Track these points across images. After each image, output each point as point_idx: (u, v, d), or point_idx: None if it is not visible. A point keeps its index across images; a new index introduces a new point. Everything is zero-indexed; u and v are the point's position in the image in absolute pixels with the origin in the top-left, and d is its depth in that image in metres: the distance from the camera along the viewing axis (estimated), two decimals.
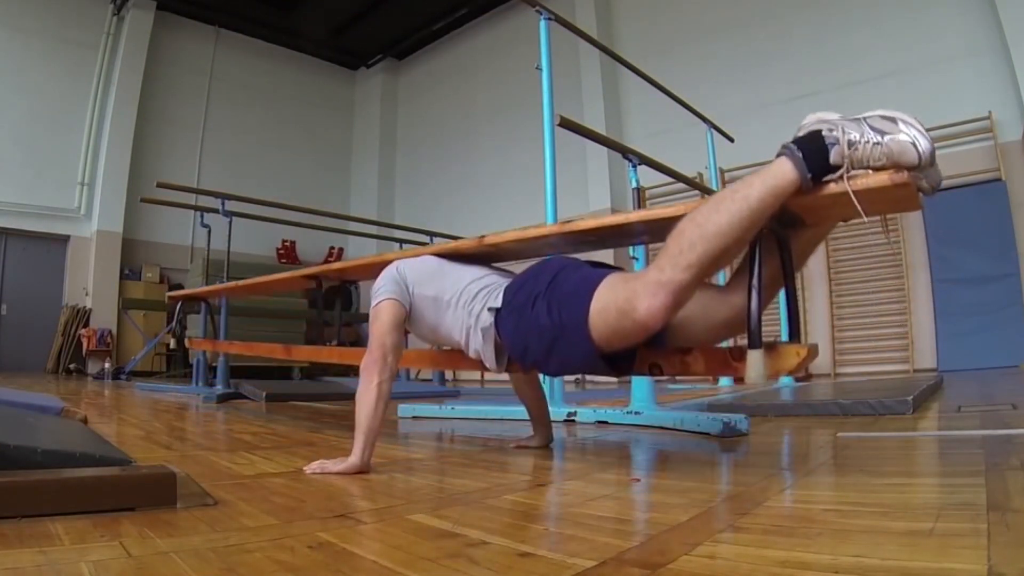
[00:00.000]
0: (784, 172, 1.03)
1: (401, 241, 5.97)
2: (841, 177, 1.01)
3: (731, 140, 4.71)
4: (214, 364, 4.36)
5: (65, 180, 8.36)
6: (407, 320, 1.55)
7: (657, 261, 1.09)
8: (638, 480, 1.40)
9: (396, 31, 10.29)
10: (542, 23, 2.75)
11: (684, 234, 1.06)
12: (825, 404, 2.55)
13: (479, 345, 1.42)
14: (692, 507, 1.02)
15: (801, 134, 1.08)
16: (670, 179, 3.47)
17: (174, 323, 3.46)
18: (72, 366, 7.85)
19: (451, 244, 1.65)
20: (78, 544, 0.79)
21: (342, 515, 1.00)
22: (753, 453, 1.74)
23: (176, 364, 8.15)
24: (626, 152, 2.49)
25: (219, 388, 3.99)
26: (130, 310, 8.11)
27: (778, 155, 1.07)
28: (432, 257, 1.61)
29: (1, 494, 0.89)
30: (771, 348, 1.09)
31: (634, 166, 2.48)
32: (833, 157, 1.01)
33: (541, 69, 2.68)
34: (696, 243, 1.04)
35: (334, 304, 2.40)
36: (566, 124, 2.30)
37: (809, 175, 1.02)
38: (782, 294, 1.21)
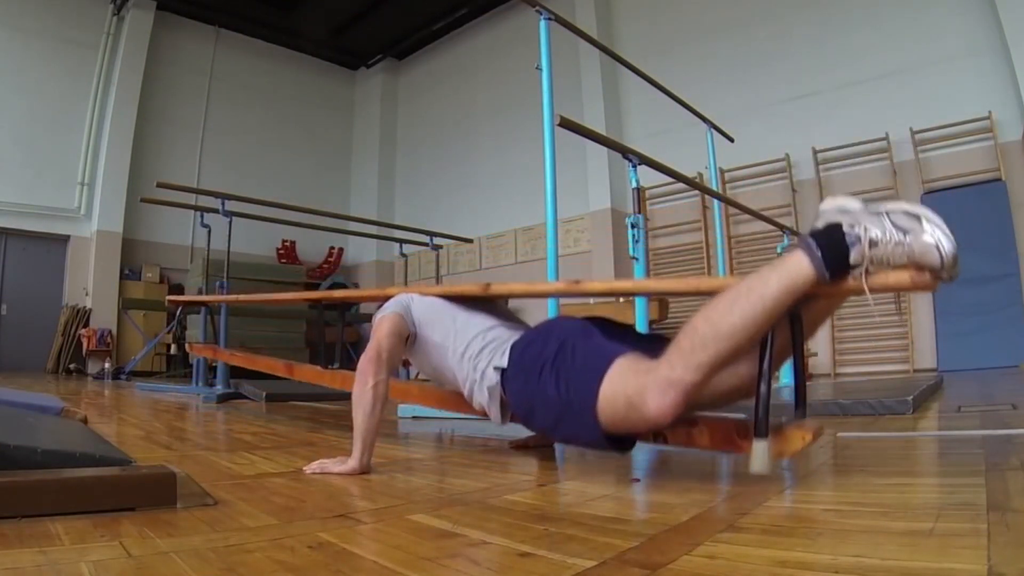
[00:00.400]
0: (801, 269, 1.00)
1: (401, 241, 5.96)
2: (860, 275, 0.99)
3: (731, 140, 4.71)
4: (214, 364, 4.36)
5: (65, 180, 8.35)
6: (410, 351, 1.55)
7: (669, 356, 1.05)
8: (638, 480, 1.40)
9: (396, 31, 10.29)
10: (542, 23, 2.75)
11: (697, 332, 1.04)
12: (825, 404, 2.55)
13: (484, 400, 1.40)
14: (692, 507, 1.02)
15: (819, 225, 1.04)
16: (670, 179, 3.47)
17: (174, 324, 3.46)
18: (72, 366, 7.85)
19: (456, 288, 1.63)
20: (78, 544, 0.79)
21: (342, 515, 1.00)
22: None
23: (176, 364, 8.15)
24: (626, 152, 2.50)
25: (219, 388, 3.99)
26: (130, 310, 8.11)
27: (795, 246, 1.04)
28: (438, 299, 1.59)
29: (1, 494, 0.89)
30: (777, 431, 1.07)
31: (634, 166, 2.48)
32: (854, 257, 0.99)
33: (541, 69, 2.68)
34: (709, 343, 1.02)
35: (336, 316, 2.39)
36: (566, 124, 2.30)
37: (827, 274, 0.99)
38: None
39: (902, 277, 0.97)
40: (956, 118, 5.63)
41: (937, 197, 5.74)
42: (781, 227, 4.54)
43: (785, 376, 3.98)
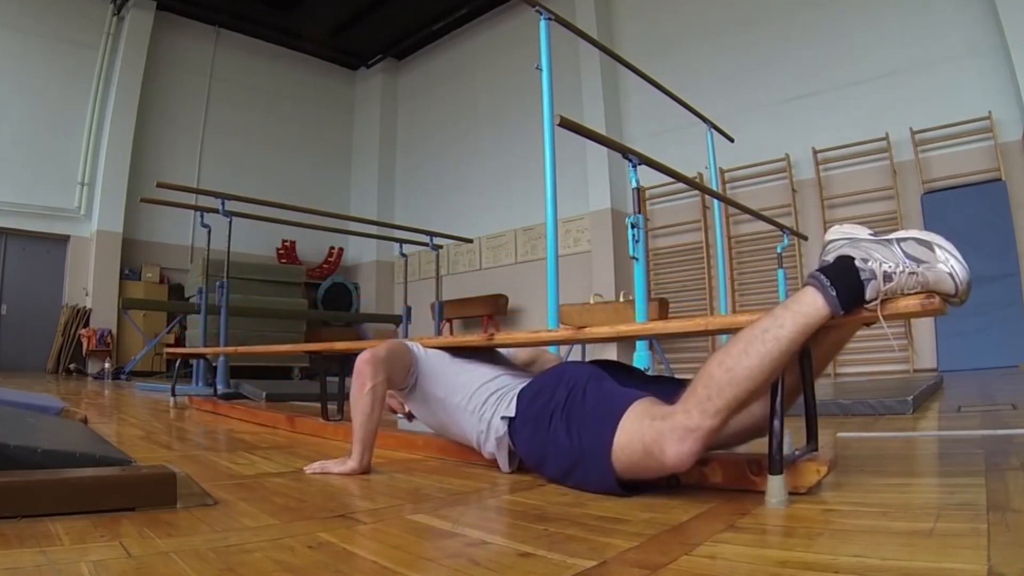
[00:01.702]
0: (816, 308, 0.99)
1: (401, 241, 5.96)
2: (875, 308, 0.98)
3: (731, 140, 4.71)
4: (214, 364, 4.36)
5: (65, 180, 8.35)
6: (408, 395, 1.54)
7: (685, 403, 1.04)
8: None
9: (396, 31, 10.28)
10: (542, 23, 2.75)
11: (713, 378, 1.02)
12: (825, 404, 2.55)
13: (493, 450, 1.39)
14: (692, 507, 1.02)
15: (829, 259, 1.03)
16: (670, 179, 3.47)
17: (173, 380, 3.53)
18: (72, 366, 7.85)
19: (459, 339, 1.64)
20: (78, 544, 0.79)
21: (342, 515, 1.00)
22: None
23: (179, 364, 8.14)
24: (626, 152, 2.50)
25: (219, 388, 3.99)
26: (130, 310, 8.11)
27: (807, 284, 1.02)
28: (439, 351, 1.58)
29: (1, 494, 0.89)
30: (790, 466, 1.07)
31: (634, 166, 2.48)
32: (869, 294, 0.98)
33: (541, 69, 2.68)
34: (725, 388, 1.01)
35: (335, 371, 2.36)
36: (566, 124, 2.30)
37: (842, 312, 0.98)
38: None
39: (913, 304, 0.96)
40: (956, 118, 5.63)
41: (937, 197, 5.75)
42: (781, 227, 4.54)
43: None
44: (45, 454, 1.02)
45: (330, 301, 10.03)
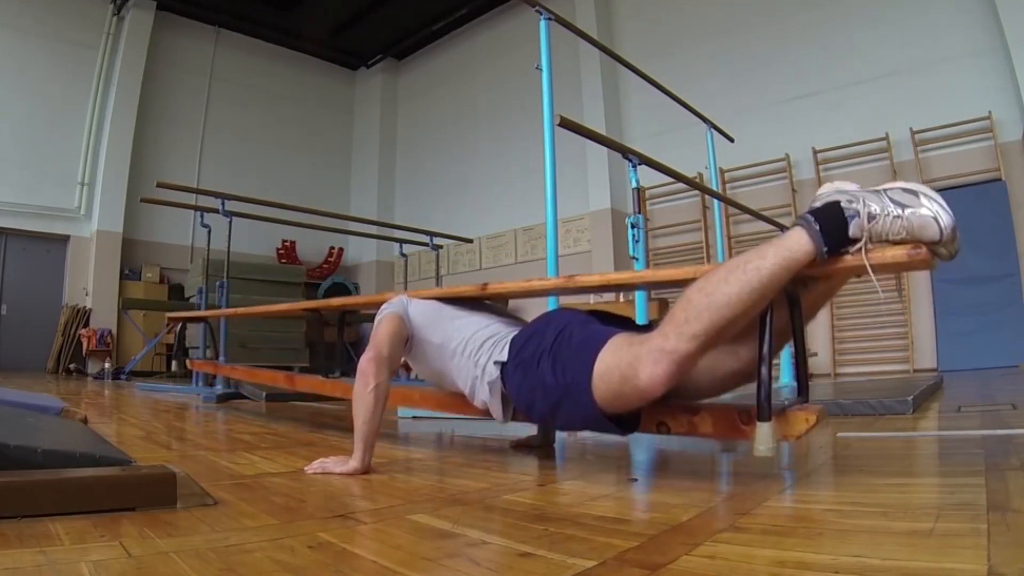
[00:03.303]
0: (800, 244, 1.00)
1: (401, 241, 5.96)
2: (859, 250, 0.98)
3: (731, 140, 4.71)
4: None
5: (65, 180, 8.35)
6: (409, 354, 1.55)
7: (662, 327, 1.05)
8: (636, 480, 1.40)
9: (396, 31, 10.29)
10: (542, 23, 2.75)
11: (691, 302, 1.03)
12: (825, 404, 2.54)
13: (486, 397, 1.40)
14: (692, 507, 1.02)
15: (818, 204, 1.04)
16: (670, 179, 3.47)
17: (175, 347, 3.54)
18: (72, 366, 7.85)
19: (454, 289, 1.64)
20: (78, 544, 0.79)
21: (342, 515, 1.00)
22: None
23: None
24: (626, 152, 2.50)
25: (219, 388, 3.99)
26: (130, 310, 8.11)
27: (793, 225, 1.03)
28: (435, 301, 1.59)
29: (1, 494, 0.89)
30: (779, 414, 1.07)
31: (634, 166, 2.48)
32: (852, 230, 0.99)
33: (541, 69, 2.68)
34: (702, 313, 1.01)
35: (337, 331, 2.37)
36: (566, 124, 2.30)
37: (825, 249, 0.99)
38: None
39: (899, 253, 0.97)
40: (956, 118, 5.63)
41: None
42: (781, 227, 4.54)
43: (784, 375, 4.00)
44: (45, 454, 1.02)
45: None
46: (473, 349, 1.42)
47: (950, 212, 0.96)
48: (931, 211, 0.96)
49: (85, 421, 1.93)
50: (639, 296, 2.49)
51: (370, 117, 11.27)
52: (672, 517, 0.96)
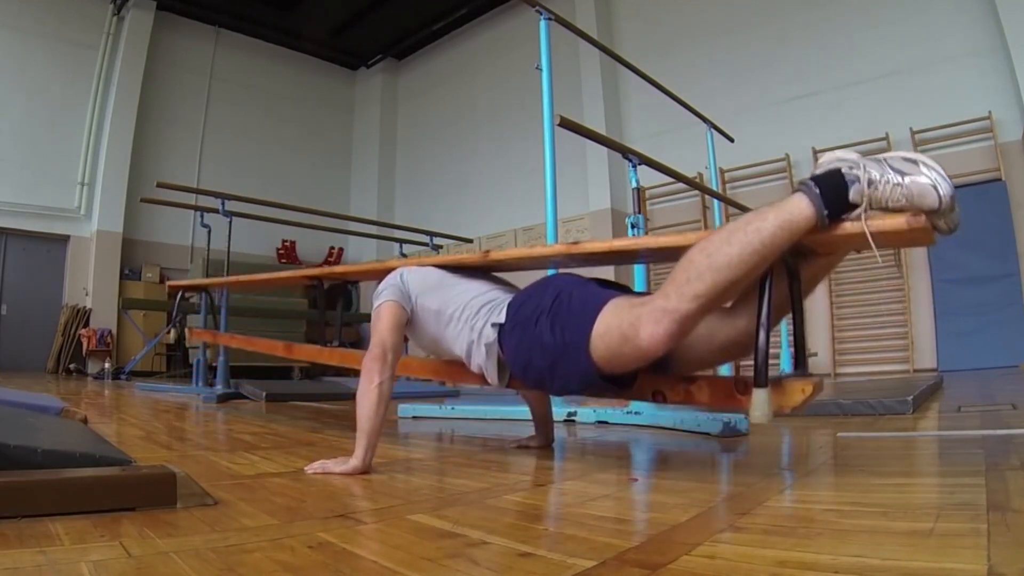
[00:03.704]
0: (800, 208, 1.00)
1: (401, 241, 5.96)
2: (859, 217, 0.99)
3: (731, 140, 4.71)
4: (214, 364, 4.36)
5: (65, 180, 8.35)
6: (408, 326, 1.55)
7: (664, 288, 1.06)
8: (636, 480, 1.40)
9: (396, 31, 10.29)
10: (542, 23, 2.75)
11: (693, 263, 1.03)
12: (825, 404, 2.55)
13: (482, 360, 1.41)
14: (692, 507, 1.02)
15: (819, 172, 1.05)
16: (670, 179, 3.47)
17: (174, 316, 3.53)
18: (72, 366, 7.85)
19: (455, 257, 1.64)
20: (78, 544, 0.79)
21: (342, 515, 1.00)
22: (753, 453, 1.74)
23: (176, 364, 8.15)
24: (626, 152, 2.49)
25: (219, 388, 3.99)
26: (130, 310, 8.11)
27: (795, 191, 1.04)
28: (435, 269, 1.60)
29: (1, 494, 0.89)
30: (776, 384, 1.07)
31: (634, 166, 2.47)
32: (852, 195, 0.99)
33: (541, 69, 2.68)
34: (704, 273, 1.01)
35: (335, 304, 2.37)
36: (566, 124, 2.30)
37: (826, 212, 0.99)
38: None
39: (899, 221, 0.97)
40: (956, 118, 5.62)
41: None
42: None
43: (784, 364, 3.98)
44: (45, 454, 1.02)
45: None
46: (470, 314, 1.43)
47: (949, 181, 0.97)
48: (930, 179, 0.97)
49: (85, 421, 1.93)
50: (638, 269, 2.48)
51: (370, 117, 11.27)
52: (672, 517, 0.96)
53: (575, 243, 1.45)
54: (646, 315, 1.06)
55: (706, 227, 6.97)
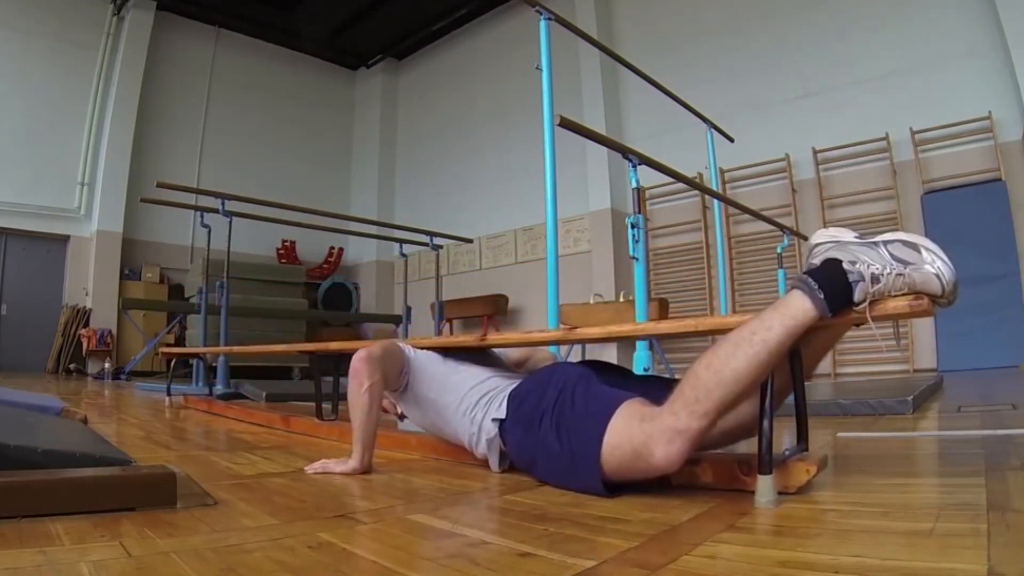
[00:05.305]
0: (804, 311, 1.00)
1: (401, 241, 5.96)
2: (863, 310, 0.99)
3: (731, 140, 4.71)
4: (214, 364, 4.36)
5: (65, 180, 8.35)
6: (400, 396, 1.54)
7: (672, 405, 1.05)
8: None
9: (396, 31, 10.28)
10: (542, 23, 2.75)
11: (700, 379, 1.03)
12: (825, 404, 2.55)
13: (484, 451, 1.41)
14: (692, 507, 1.02)
15: (816, 261, 1.04)
16: (670, 179, 3.47)
17: (168, 379, 3.64)
18: (72, 366, 7.84)
19: (451, 340, 1.64)
20: (78, 544, 0.79)
21: (342, 515, 1.00)
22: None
23: (176, 364, 8.13)
24: (626, 152, 2.49)
25: (219, 388, 3.99)
26: (130, 310, 8.11)
27: (794, 287, 1.03)
28: (431, 353, 1.58)
29: (1, 494, 0.89)
30: (780, 465, 1.07)
31: (634, 166, 2.47)
32: (858, 296, 0.98)
33: (541, 69, 2.67)
34: (713, 390, 1.01)
35: (330, 370, 2.30)
36: (566, 124, 2.30)
37: (830, 314, 0.99)
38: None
39: (901, 304, 0.97)
40: (956, 118, 5.62)
41: (937, 197, 5.74)
42: (781, 227, 4.54)
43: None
44: (45, 454, 1.02)
45: (330, 301, 10.03)
46: (468, 406, 1.42)
47: (951, 266, 0.96)
48: (934, 268, 0.96)
49: (85, 421, 1.94)
50: (639, 301, 2.47)
51: (370, 117, 11.27)
52: (672, 517, 0.96)
53: (571, 329, 1.44)
54: (657, 435, 1.04)
55: (706, 226, 6.97)
